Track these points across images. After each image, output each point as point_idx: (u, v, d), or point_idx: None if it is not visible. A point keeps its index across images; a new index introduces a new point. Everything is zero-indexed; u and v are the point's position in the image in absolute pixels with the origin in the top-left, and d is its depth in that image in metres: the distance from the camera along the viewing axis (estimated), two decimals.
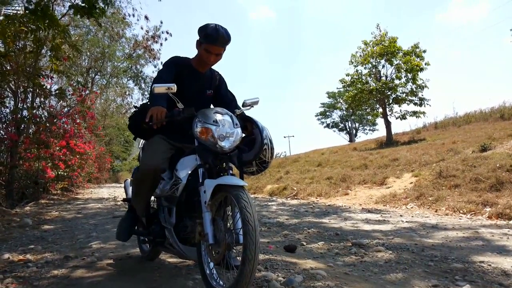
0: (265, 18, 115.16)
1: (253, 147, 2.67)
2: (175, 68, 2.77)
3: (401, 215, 6.41)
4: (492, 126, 14.13)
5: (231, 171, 2.45)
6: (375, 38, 19.26)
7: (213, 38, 2.62)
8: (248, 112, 2.84)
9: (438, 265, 3.20)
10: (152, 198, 3.17)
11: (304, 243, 4.16)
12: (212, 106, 3.00)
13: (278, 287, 2.42)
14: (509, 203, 5.89)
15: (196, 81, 2.86)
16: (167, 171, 2.78)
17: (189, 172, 2.52)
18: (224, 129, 2.41)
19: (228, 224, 2.38)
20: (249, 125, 2.74)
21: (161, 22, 20.32)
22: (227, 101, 2.98)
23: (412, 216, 6.27)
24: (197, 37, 2.73)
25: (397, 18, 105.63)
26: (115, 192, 14.47)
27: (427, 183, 8.19)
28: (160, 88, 2.40)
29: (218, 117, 2.44)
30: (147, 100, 2.87)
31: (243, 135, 2.61)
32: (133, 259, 3.42)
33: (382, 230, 4.96)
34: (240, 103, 2.89)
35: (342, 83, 20.43)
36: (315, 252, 3.76)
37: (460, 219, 5.85)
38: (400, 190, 8.54)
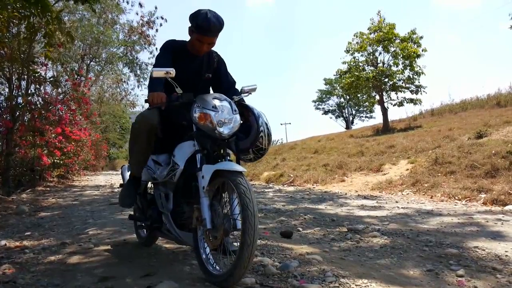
0: (262, 4, 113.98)
1: (249, 135, 2.65)
2: (171, 51, 2.74)
3: (396, 202, 6.45)
4: (489, 113, 14.16)
5: (228, 158, 2.45)
6: (373, 24, 19.12)
7: (205, 29, 2.58)
8: (245, 99, 2.82)
9: (433, 250, 3.23)
10: (149, 184, 3.17)
11: (300, 229, 4.18)
12: (211, 90, 2.98)
13: (274, 272, 2.44)
14: (504, 189, 5.93)
15: (193, 64, 2.81)
16: (164, 157, 2.78)
17: (187, 158, 2.51)
18: (223, 115, 2.39)
19: (225, 210, 2.38)
20: (245, 112, 2.72)
21: (156, 8, 19.88)
22: (227, 86, 2.93)
23: (407, 202, 6.31)
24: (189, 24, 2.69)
25: (394, 3, 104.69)
26: (111, 180, 14.46)
27: (423, 170, 8.22)
28: (159, 72, 2.39)
29: (217, 103, 2.42)
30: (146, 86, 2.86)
31: (241, 121, 2.60)
32: (130, 245, 3.43)
33: (377, 216, 4.99)
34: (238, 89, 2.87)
35: (338, 73, 20.37)
36: (311, 237, 3.79)
37: (455, 205, 5.89)
38: (396, 176, 8.58)
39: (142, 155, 2.84)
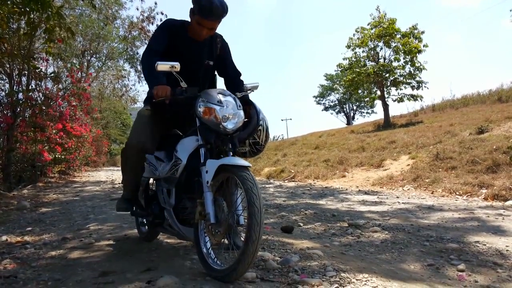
0: (263, 0, 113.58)
1: (248, 126, 2.63)
2: (168, 34, 2.63)
3: (397, 197, 6.45)
4: (490, 108, 14.13)
5: (231, 153, 2.44)
6: (373, 19, 19.04)
7: (206, 12, 2.46)
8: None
9: (433, 245, 3.23)
10: (151, 180, 3.16)
11: (301, 224, 4.18)
12: (218, 85, 2.94)
13: (275, 266, 2.44)
14: (505, 185, 5.93)
15: (192, 50, 2.69)
16: (165, 153, 2.77)
17: (190, 152, 2.50)
18: (228, 110, 2.37)
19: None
20: (247, 108, 2.71)
21: (156, 3, 19.72)
22: (233, 73, 2.86)
23: (408, 198, 6.31)
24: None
25: (395, 0, 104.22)
26: (112, 175, 14.46)
27: (424, 165, 8.22)
28: (164, 66, 2.35)
29: (222, 98, 2.40)
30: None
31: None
32: (131, 240, 3.43)
33: (378, 211, 4.99)
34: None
35: (339, 68, 20.34)
36: (311, 232, 3.79)
37: (456, 200, 5.89)
38: (397, 172, 8.58)
39: (135, 175, 2.78)
